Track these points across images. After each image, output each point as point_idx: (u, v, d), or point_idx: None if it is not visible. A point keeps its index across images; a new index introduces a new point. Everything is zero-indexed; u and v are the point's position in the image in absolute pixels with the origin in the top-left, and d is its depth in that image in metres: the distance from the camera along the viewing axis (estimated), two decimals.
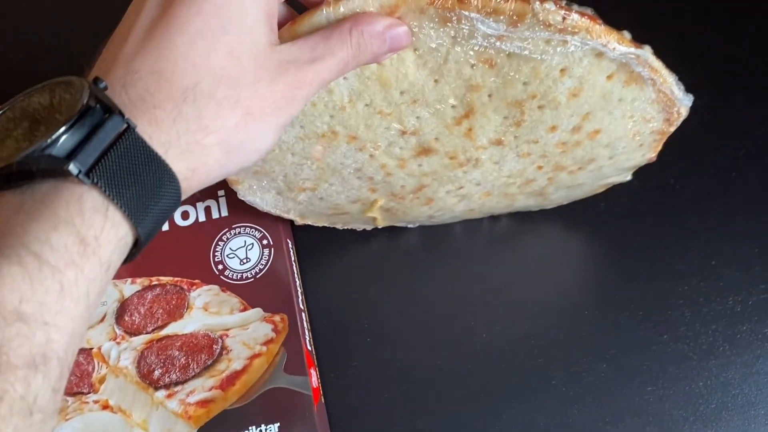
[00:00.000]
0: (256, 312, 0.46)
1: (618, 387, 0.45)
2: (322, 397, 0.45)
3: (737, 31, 0.58)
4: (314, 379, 0.44)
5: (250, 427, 0.42)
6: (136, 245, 0.28)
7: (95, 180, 0.26)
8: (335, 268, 0.50)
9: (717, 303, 0.47)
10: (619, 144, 0.41)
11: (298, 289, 0.47)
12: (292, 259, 0.49)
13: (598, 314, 0.47)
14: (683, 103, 0.39)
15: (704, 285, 0.48)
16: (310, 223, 0.49)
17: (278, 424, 0.42)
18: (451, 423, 0.45)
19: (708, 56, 0.56)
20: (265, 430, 0.42)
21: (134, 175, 0.27)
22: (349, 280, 0.50)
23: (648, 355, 0.46)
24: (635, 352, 0.46)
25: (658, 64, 0.36)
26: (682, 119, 0.40)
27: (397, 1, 0.32)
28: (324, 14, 0.33)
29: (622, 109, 0.38)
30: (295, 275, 0.48)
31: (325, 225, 0.50)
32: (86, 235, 0.25)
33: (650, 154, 0.44)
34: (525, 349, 0.47)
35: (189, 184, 0.29)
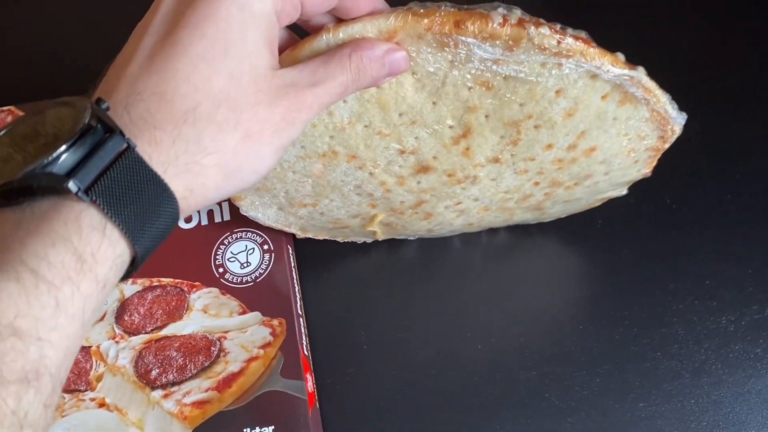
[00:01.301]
0: (255, 316, 0.46)
1: (611, 402, 0.45)
2: (317, 403, 0.45)
3: (733, 53, 0.59)
4: (310, 384, 0.45)
5: (245, 430, 0.42)
6: (133, 263, 0.28)
7: (94, 198, 0.26)
8: (334, 276, 0.50)
9: (710, 322, 0.48)
10: (615, 160, 0.42)
11: (297, 295, 0.48)
12: (292, 265, 0.49)
13: (593, 329, 0.48)
14: (677, 121, 0.39)
15: (698, 304, 0.48)
16: (311, 236, 0.50)
17: (273, 427, 0.42)
18: None
19: (705, 79, 0.56)
20: None
21: (133, 194, 0.27)
22: (348, 288, 0.50)
23: (641, 371, 0.46)
24: (629, 368, 0.46)
25: (651, 84, 0.37)
26: (676, 136, 0.41)
27: (396, 27, 0.33)
28: (324, 40, 0.34)
29: (617, 127, 0.39)
30: (295, 281, 0.48)
31: (326, 238, 0.50)
32: (83, 252, 0.26)
33: (645, 170, 0.44)
34: (519, 362, 0.47)
35: (187, 204, 0.29)
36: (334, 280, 0.50)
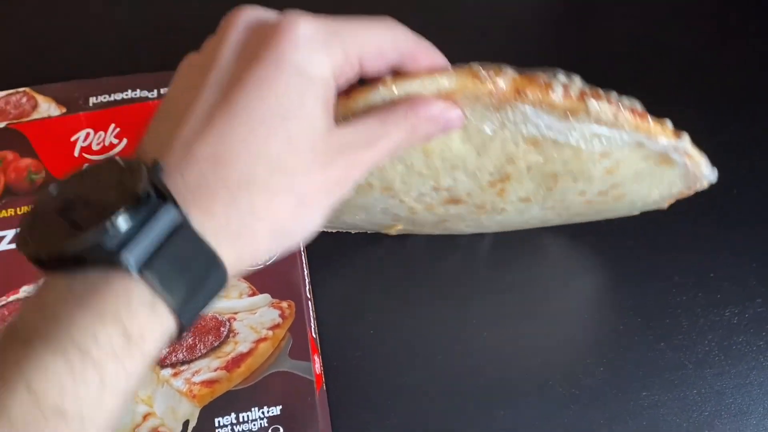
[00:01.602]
0: (264, 297, 0.46)
1: (614, 390, 0.46)
2: (324, 384, 0.45)
3: (733, 53, 0.60)
4: (317, 365, 0.45)
5: (252, 409, 0.42)
6: (178, 333, 0.27)
7: (146, 274, 0.25)
8: (343, 262, 0.51)
9: (714, 314, 0.48)
10: (639, 202, 0.43)
11: (306, 278, 0.48)
12: (302, 248, 0.50)
13: (598, 319, 0.48)
14: (708, 179, 0.40)
15: (702, 296, 0.49)
16: (324, 229, 0.50)
17: (280, 406, 0.43)
18: (447, 418, 0.45)
19: (705, 79, 0.57)
20: (268, 412, 0.43)
21: (184, 269, 0.26)
22: (356, 274, 0.51)
23: (645, 361, 0.47)
24: (632, 358, 0.47)
25: (694, 151, 0.37)
26: (702, 189, 0.42)
27: (455, 89, 0.33)
28: (380, 93, 0.32)
29: (650, 181, 0.39)
30: (304, 264, 0.49)
31: (339, 230, 0.51)
32: (131, 330, 0.25)
33: (663, 205, 0.45)
34: (524, 350, 0.47)
35: (235, 270, 0.29)
36: (343, 266, 0.51)
